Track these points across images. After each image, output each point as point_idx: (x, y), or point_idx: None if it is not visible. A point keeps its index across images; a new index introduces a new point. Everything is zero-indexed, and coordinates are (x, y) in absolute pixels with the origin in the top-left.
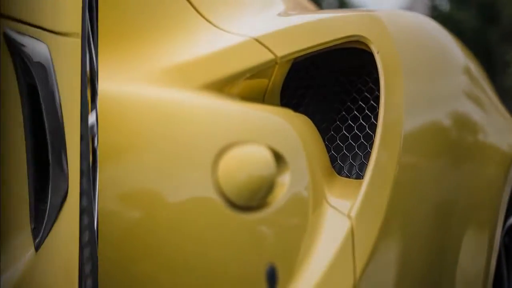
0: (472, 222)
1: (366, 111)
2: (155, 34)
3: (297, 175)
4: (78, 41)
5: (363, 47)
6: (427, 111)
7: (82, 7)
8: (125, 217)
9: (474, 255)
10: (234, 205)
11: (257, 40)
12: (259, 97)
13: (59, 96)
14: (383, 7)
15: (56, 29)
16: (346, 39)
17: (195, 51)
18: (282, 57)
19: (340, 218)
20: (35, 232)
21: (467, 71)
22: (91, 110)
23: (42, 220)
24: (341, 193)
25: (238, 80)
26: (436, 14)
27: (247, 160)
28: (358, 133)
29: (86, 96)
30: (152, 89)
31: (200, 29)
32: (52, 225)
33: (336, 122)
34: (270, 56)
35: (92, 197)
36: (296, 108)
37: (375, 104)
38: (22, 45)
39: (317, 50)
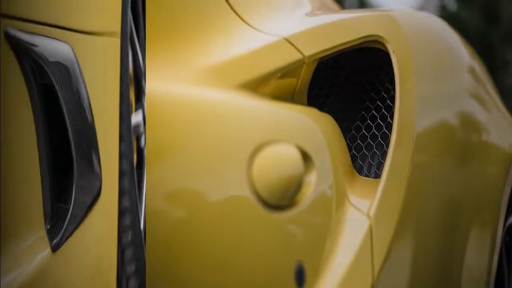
0: (476, 221)
1: (383, 110)
2: (198, 34)
3: (322, 174)
4: (116, 40)
5: (380, 46)
6: (437, 110)
7: (123, 7)
8: (171, 216)
9: (478, 253)
10: (267, 204)
11: (287, 40)
12: (288, 96)
13: (87, 96)
14: (399, 7)
15: (83, 28)
16: (365, 38)
17: (233, 51)
18: (309, 56)
19: (360, 217)
20: (51, 232)
21: (472, 71)
22: (136, 109)
23: (62, 219)
24: (361, 192)
25: (270, 79)
26: (444, 13)
27: (279, 160)
28: (376, 132)
29: (127, 96)
30: (195, 89)
31: (236, 28)
32: (78, 225)
33: (357, 121)
34: (298, 56)
35: (137, 197)
36: (321, 107)
37: (391, 104)
38: (33, 44)
39: (340, 50)
